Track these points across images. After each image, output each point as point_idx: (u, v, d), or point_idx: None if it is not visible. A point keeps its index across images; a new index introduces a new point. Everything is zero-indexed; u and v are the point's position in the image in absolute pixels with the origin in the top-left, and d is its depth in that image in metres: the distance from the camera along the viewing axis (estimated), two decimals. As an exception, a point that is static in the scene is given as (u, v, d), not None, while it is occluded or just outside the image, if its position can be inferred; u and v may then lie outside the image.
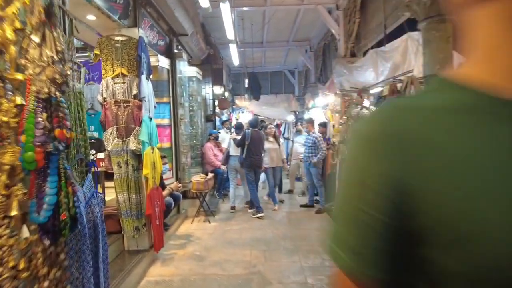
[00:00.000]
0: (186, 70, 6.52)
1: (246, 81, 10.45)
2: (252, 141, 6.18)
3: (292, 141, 7.95)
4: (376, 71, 6.12)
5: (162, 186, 4.70)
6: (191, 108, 6.70)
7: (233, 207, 6.50)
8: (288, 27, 10.27)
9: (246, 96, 12.11)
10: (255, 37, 10.73)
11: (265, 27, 9.83)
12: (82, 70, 2.58)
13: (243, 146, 6.20)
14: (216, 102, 8.65)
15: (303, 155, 6.54)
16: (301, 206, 6.69)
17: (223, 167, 7.03)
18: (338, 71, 7.66)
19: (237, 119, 14.58)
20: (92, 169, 2.57)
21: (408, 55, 4.89)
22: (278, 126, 12.00)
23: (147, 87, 4.10)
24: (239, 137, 6.33)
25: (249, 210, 6.31)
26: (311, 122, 6.43)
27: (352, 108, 5.14)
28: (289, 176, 8.18)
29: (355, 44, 7.59)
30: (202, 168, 6.95)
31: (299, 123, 7.48)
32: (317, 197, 6.69)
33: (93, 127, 5.26)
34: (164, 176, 5.37)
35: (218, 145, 7.34)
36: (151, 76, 4.33)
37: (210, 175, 5.79)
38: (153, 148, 4.05)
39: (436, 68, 3.81)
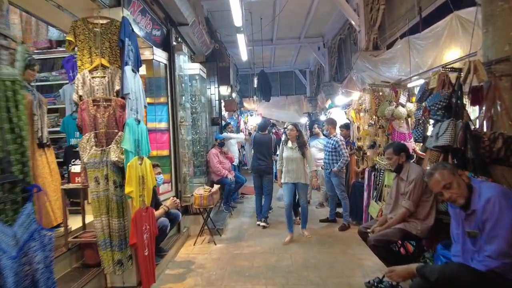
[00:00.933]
0: (188, 66, 5.70)
1: (255, 81, 9.58)
2: (255, 145, 5.93)
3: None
4: (409, 63, 5.26)
5: (156, 203, 3.87)
6: (193, 110, 5.87)
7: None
8: (300, 21, 9.44)
9: (255, 97, 11.25)
10: (264, 34, 9.91)
11: (275, 21, 9.00)
12: (20, 48, 1.76)
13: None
14: (223, 104, 7.82)
15: (324, 161, 5.64)
16: (321, 221, 5.79)
17: (230, 176, 6.18)
18: (359, 66, 6.78)
19: (245, 123, 13.79)
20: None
21: (454, 39, 4.01)
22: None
23: (134, 82, 3.28)
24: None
25: (262, 224, 5.59)
26: (332, 123, 5.54)
27: (385, 106, 4.25)
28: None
29: (379, 35, 6.70)
30: (207, 178, 6.12)
31: (315, 126, 6.60)
32: (339, 210, 5.79)
33: (78, 133, 4.48)
34: (162, 189, 4.56)
35: (224, 152, 6.50)
36: (140, 69, 3.52)
37: (216, 187, 4.94)
38: (141, 159, 3.22)
39: (504, 50, 2.92)
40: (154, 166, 3.74)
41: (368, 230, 3.27)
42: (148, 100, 4.79)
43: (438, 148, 3.12)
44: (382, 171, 4.46)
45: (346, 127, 6.09)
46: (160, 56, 4.74)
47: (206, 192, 4.61)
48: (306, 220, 5.11)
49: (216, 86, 7.21)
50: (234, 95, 8.66)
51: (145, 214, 3.24)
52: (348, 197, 5.46)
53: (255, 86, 9.71)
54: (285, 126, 6.80)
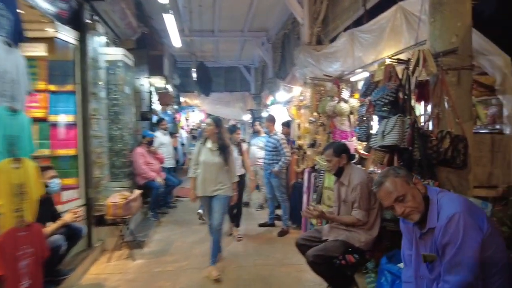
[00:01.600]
0: (108, 51, 4.89)
1: (194, 73, 8.82)
2: None
3: (249, 143, 6.60)
4: (353, 57, 5.00)
5: (53, 216, 3.08)
6: (114, 102, 5.06)
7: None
8: (243, 13, 8.90)
9: (196, 92, 10.51)
10: (204, 24, 9.25)
11: (216, 9, 8.37)
12: None
13: None
14: (156, 97, 7.03)
15: (263, 161, 5.17)
16: (260, 225, 5.33)
17: (159, 179, 5.46)
18: (301, 61, 6.45)
19: (186, 119, 12.98)
20: None
21: (398, 33, 3.77)
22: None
23: (9, 59, 2.48)
24: None
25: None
26: (272, 120, 5.09)
27: (326, 102, 3.88)
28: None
29: (322, 29, 6.42)
30: (131, 181, 5.33)
31: (256, 123, 6.14)
32: (278, 212, 5.38)
33: None
34: (66, 197, 3.74)
35: (153, 151, 5.75)
36: (20, 44, 2.71)
37: (136, 193, 4.21)
38: (19, 161, 2.44)
39: (451, 41, 2.67)
40: (44, 169, 2.95)
41: (310, 207, 2.88)
42: (51, 87, 3.94)
43: (384, 148, 2.78)
44: (322, 172, 4.10)
45: (287, 124, 5.69)
46: (66, 34, 3.90)
47: (122, 200, 3.87)
48: (216, 252, 3.68)
49: (148, 76, 6.42)
50: (169, 87, 7.89)
51: (26, 233, 2.47)
52: (288, 199, 5.07)
53: (194, 79, 8.94)
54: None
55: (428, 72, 2.59)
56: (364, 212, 2.64)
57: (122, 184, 5.13)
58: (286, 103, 6.38)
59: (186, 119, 12.94)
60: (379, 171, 3.20)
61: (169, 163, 6.48)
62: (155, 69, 6.99)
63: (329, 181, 3.96)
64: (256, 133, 6.36)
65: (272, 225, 5.29)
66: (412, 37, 3.49)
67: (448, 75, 2.64)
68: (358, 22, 4.71)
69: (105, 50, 4.81)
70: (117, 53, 5.05)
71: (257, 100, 13.00)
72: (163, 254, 4.21)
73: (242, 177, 4.81)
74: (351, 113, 3.82)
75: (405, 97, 2.74)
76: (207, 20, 9.10)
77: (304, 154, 5.08)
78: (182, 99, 12.37)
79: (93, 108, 4.11)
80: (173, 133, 7.59)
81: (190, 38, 9.84)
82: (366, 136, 3.15)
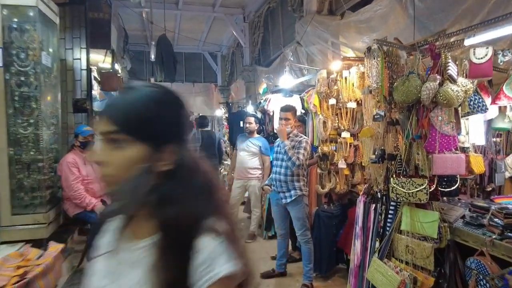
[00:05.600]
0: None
1: (153, 50, 6.57)
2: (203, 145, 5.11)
3: (234, 147, 4.72)
4: (402, 25, 3.48)
5: None
6: (21, 79, 2.94)
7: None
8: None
9: (152, 79, 8.28)
10: (167, -7, 7.14)
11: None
12: None
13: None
14: (96, 77, 4.84)
15: (273, 177, 3.30)
16: (263, 276, 3.47)
17: (100, 208, 3.39)
18: (307, 36, 4.77)
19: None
20: None
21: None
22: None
23: None
24: None
25: None
26: (295, 112, 3.25)
27: (414, 82, 2.15)
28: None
29: (337, -6, 4.72)
30: (54, 210, 3.22)
31: (251, 119, 4.30)
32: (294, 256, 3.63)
33: None
34: None
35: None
36: None
37: (52, 250, 2.16)
38: None
39: None
40: None
41: None
42: None
43: None
44: (394, 204, 2.39)
45: (301, 120, 3.89)
46: None
47: (15, 278, 1.81)
48: None
49: (84, 46, 4.27)
50: (118, 67, 5.70)
51: None
52: (311, 238, 3.29)
53: (152, 58, 6.71)
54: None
55: None
56: None
57: (36, 219, 3.02)
58: (288, 93, 4.57)
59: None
60: None
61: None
62: (98, 39, 4.79)
63: (411, 221, 2.26)
64: (247, 133, 4.51)
65: (283, 274, 3.49)
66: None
67: None
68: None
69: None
70: (25, -6, 2.93)
71: (225, 93, 11.18)
72: None
73: None
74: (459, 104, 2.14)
75: None
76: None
77: (332, 167, 3.35)
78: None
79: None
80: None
81: (146, 10, 7.67)
82: None
